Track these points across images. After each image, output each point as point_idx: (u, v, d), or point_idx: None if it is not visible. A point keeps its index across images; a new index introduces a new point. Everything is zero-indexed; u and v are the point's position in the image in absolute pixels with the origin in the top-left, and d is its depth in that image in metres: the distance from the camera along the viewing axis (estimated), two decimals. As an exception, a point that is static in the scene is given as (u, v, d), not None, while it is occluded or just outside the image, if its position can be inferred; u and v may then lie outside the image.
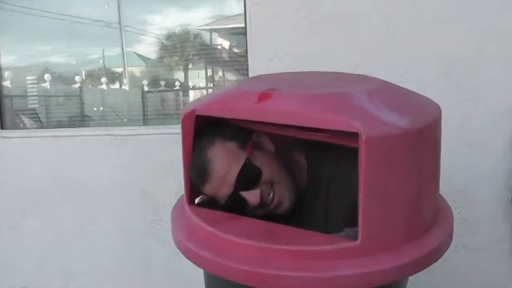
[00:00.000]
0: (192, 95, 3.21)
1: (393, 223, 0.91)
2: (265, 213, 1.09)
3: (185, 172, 1.08)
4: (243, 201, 1.05)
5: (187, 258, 0.98)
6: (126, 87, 3.26)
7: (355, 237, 0.90)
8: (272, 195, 1.07)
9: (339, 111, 0.88)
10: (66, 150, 2.73)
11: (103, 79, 3.31)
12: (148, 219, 2.68)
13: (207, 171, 1.03)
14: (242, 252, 0.90)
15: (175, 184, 2.39)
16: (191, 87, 3.16)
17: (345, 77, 1.15)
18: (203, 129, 1.07)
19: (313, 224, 1.11)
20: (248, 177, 1.04)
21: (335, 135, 1.00)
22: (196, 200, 1.15)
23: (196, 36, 3.13)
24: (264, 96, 0.96)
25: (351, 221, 0.98)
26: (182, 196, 1.18)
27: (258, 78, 1.14)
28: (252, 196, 1.04)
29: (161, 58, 3.17)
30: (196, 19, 2.92)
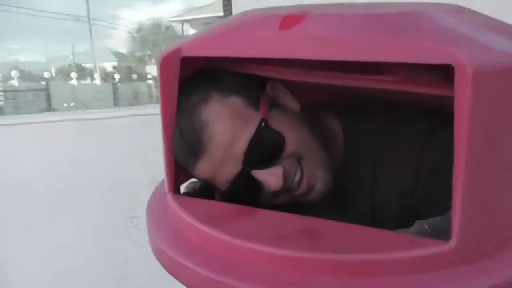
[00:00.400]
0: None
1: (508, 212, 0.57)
2: (289, 201, 0.74)
3: (166, 147, 0.72)
4: (257, 185, 0.71)
5: (173, 275, 0.63)
6: (97, 82, 2.91)
7: (437, 234, 0.58)
8: (300, 175, 0.72)
9: (423, 35, 0.54)
10: (22, 138, 2.38)
11: (73, 74, 2.96)
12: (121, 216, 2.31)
13: (202, 141, 0.68)
14: (268, 267, 0.55)
15: (151, 172, 2.03)
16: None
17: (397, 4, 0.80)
18: (193, 82, 0.71)
19: (354, 216, 0.77)
20: (265, 148, 0.69)
21: (395, 80, 0.65)
22: (182, 189, 0.79)
23: (168, 28, 2.76)
24: (291, 20, 0.60)
25: (410, 211, 0.75)
26: (161, 183, 0.82)
27: (264, 10, 0.78)
28: (271, 177, 0.70)
29: (132, 52, 2.80)
30: (167, 11, 2.55)
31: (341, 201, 0.78)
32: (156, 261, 0.66)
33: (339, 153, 0.80)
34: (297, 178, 0.72)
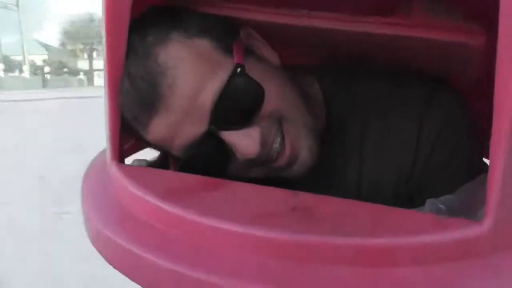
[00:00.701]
0: (98, 82, 2.65)
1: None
2: (263, 177, 0.60)
3: (110, 101, 0.56)
4: (225, 152, 0.56)
5: (118, 268, 0.47)
6: (26, 75, 2.65)
7: (456, 213, 0.48)
8: (281, 141, 0.58)
9: None
10: None
11: (0, 66, 2.68)
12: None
13: (159, 89, 0.53)
14: (251, 256, 0.40)
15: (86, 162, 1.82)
16: (96, 73, 2.59)
17: None
18: (148, 19, 0.56)
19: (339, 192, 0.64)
20: (240, 100, 0.55)
21: (409, 23, 0.52)
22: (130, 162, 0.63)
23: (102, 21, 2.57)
24: None
25: (405, 194, 0.64)
26: (99, 154, 0.66)
27: None
28: (245, 140, 0.55)
29: (64, 45, 2.58)
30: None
31: (322, 180, 0.64)
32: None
33: (320, 122, 0.66)
34: (277, 144, 0.58)
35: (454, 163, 0.61)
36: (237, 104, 0.54)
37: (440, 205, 0.51)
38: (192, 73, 0.53)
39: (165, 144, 0.56)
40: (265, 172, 0.60)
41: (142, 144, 0.61)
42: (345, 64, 0.69)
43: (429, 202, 0.52)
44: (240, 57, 0.55)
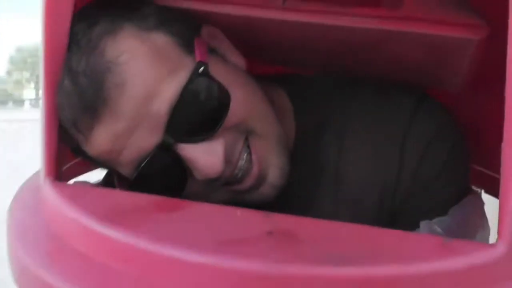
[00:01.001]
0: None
1: None
2: (230, 198, 0.51)
3: (47, 105, 0.46)
4: (182, 170, 0.47)
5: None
6: None
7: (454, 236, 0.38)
8: (248, 156, 0.50)
9: None
10: None
11: None
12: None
13: (104, 90, 0.43)
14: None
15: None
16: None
17: None
18: (95, 8, 0.48)
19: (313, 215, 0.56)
20: (202, 106, 0.46)
21: (398, 15, 0.45)
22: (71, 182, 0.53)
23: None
24: None
25: (387, 217, 0.55)
26: (31, 177, 0.56)
27: None
28: (206, 156, 0.46)
29: (9, 74, 2.43)
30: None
31: (292, 203, 0.56)
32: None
33: (290, 137, 0.58)
34: (243, 161, 0.49)
35: (442, 180, 0.54)
36: (198, 111, 0.46)
37: (436, 227, 0.44)
38: (145, 71, 0.44)
39: (110, 158, 0.46)
40: (229, 195, 0.51)
41: (86, 160, 0.51)
42: (319, 73, 0.62)
43: (424, 224, 0.45)
44: (203, 54, 0.47)
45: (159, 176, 0.47)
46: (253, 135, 0.50)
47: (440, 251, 0.35)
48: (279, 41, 0.52)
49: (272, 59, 0.61)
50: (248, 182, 0.50)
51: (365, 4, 0.43)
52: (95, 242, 0.38)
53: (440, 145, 0.54)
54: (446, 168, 0.54)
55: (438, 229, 0.43)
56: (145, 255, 0.35)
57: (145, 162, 0.45)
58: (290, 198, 0.55)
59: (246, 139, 0.50)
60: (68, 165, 0.66)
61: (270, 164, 0.51)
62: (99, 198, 0.43)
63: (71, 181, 0.57)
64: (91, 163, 0.51)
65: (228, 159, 0.48)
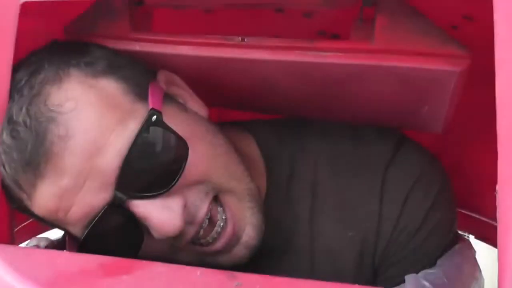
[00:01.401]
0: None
1: None
2: (199, 259, 0.46)
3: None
4: (138, 225, 0.42)
5: None
6: None
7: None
8: (221, 215, 0.45)
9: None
10: None
11: None
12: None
13: (46, 143, 0.39)
14: None
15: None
16: None
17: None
18: (41, 55, 0.44)
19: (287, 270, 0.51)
20: (155, 159, 0.42)
21: (375, 47, 0.41)
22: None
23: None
24: None
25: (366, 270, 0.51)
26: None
27: None
28: (164, 213, 0.41)
29: None
30: None
31: (265, 257, 0.51)
32: None
33: (262, 189, 0.53)
34: (220, 221, 0.45)
35: (427, 229, 0.50)
36: (151, 164, 0.41)
37: (424, 282, 0.39)
38: (92, 121, 0.40)
39: (57, 218, 0.41)
40: (197, 257, 0.46)
41: (35, 220, 0.46)
42: (287, 117, 0.58)
43: (410, 278, 0.40)
44: (157, 101, 0.43)
45: (112, 235, 0.42)
46: (223, 193, 0.45)
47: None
48: (241, 83, 0.48)
49: (236, 104, 0.57)
50: (220, 243, 0.45)
51: (332, 37, 0.40)
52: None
53: (422, 192, 0.50)
54: (430, 216, 0.50)
55: (427, 284, 0.39)
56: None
57: (95, 220, 0.40)
58: (264, 251, 0.50)
59: (215, 199, 0.45)
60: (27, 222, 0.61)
61: (246, 223, 0.46)
62: (43, 262, 0.38)
63: (30, 240, 0.53)
64: (42, 223, 0.46)
65: (190, 220, 0.43)
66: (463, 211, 0.65)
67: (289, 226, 0.52)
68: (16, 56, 0.42)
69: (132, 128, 0.40)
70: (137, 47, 0.45)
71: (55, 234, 0.57)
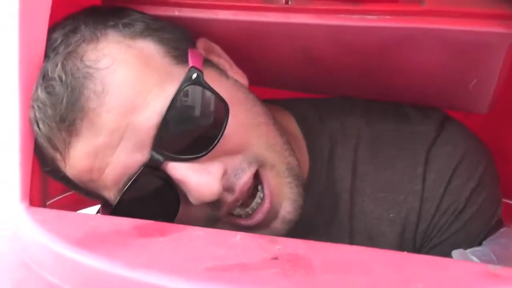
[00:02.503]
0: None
1: None
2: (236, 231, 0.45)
3: (23, 123, 0.40)
4: (177, 191, 0.41)
5: None
6: None
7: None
8: (258, 188, 0.44)
9: None
10: None
11: None
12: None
13: (83, 99, 0.38)
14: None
15: None
16: None
17: None
18: (77, 17, 0.43)
19: None
20: (195, 119, 0.40)
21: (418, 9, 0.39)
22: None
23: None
24: None
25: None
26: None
27: None
28: (202, 176, 0.39)
29: None
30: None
31: (304, 234, 0.49)
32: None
33: (302, 167, 0.51)
34: (258, 199, 0.43)
35: (472, 210, 0.48)
36: (190, 124, 0.40)
37: (471, 256, 0.37)
38: (129, 78, 0.38)
39: (91, 179, 0.40)
40: (234, 230, 0.44)
41: (67, 186, 0.45)
42: (327, 97, 0.56)
43: (457, 253, 0.38)
44: (197, 63, 0.42)
45: (147, 200, 0.41)
46: (263, 168, 0.44)
47: (490, 280, 0.28)
48: (282, 54, 0.47)
49: (274, 81, 0.55)
50: (258, 217, 0.43)
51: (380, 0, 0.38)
52: (66, 269, 0.32)
53: (466, 172, 0.48)
54: (475, 197, 0.48)
55: (475, 259, 0.37)
56: (124, 284, 0.29)
57: (130, 182, 0.39)
58: (303, 229, 0.48)
59: (256, 174, 0.43)
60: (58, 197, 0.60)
61: (283, 198, 0.44)
62: (75, 223, 0.37)
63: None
64: (74, 189, 0.45)
65: (229, 186, 0.41)
66: (506, 201, 0.63)
67: (330, 204, 0.51)
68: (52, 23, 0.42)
69: (169, 91, 0.39)
70: (176, 12, 0.44)
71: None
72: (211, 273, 0.28)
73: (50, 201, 0.57)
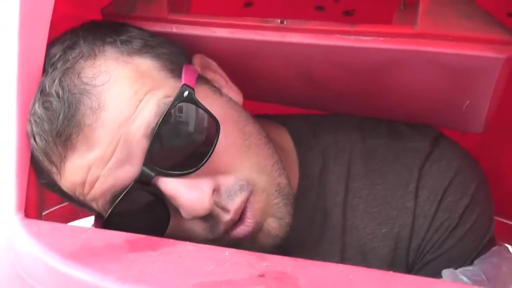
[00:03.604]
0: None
1: None
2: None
3: (20, 136, 0.41)
4: (164, 208, 0.41)
5: None
6: None
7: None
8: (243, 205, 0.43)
9: None
10: None
11: None
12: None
13: (79, 114, 0.39)
14: None
15: None
16: None
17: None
18: (76, 32, 0.44)
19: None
20: (186, 135, 0.41)
21: (411, 32, 0.40)
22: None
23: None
24: None
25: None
26: None
27: None
28: (190, 190, 0.40)
29: None
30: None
31: (295, 250, 0.49)
32: None
33: (293, 183, 0.52)
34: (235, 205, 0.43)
35: (464, 228, 0.48)
36: (181, 141, 0.41)
37: (461, 276, 0.37)
38: (126, 94, 0.39)
39: (82, 192, 0.41)
40: (222, 243, 0.45)
41: (63, 198, 0.46)
42: (321, 110, 0.57)
43: (447, 273, 0.38)
44: (190, 80, 0.43)
45: (137, 213, 0.41)
46: (254, 194, 0.43)
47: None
48: (278, 72, 0.47)
49: (271, 97, 0.56)
50: (242, 230, 0.43)
51: (374, 21, 0.39)
52: (58, 282, 0.32)
53: (460, 189, 0.48)
54: (468, 214, 0.48)
55: (464, 278, 0.37)
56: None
57: (121, 196, 0.40)
58: (294, 245, 0.48)
59: (241, 185, 0.43)
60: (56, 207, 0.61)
61: (268, 216, 0.44)
62: (69, 235, 0.37)
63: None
64: (69, 201, 0.46)
65: (223, 206, 0.42)
66: (500, 219, 0.63)
67: (321, 218, 0.51)
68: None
69: (160, 96, 0.40)
70: (173, 29, 0.45)
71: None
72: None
73: (47, 211, 0.58)
